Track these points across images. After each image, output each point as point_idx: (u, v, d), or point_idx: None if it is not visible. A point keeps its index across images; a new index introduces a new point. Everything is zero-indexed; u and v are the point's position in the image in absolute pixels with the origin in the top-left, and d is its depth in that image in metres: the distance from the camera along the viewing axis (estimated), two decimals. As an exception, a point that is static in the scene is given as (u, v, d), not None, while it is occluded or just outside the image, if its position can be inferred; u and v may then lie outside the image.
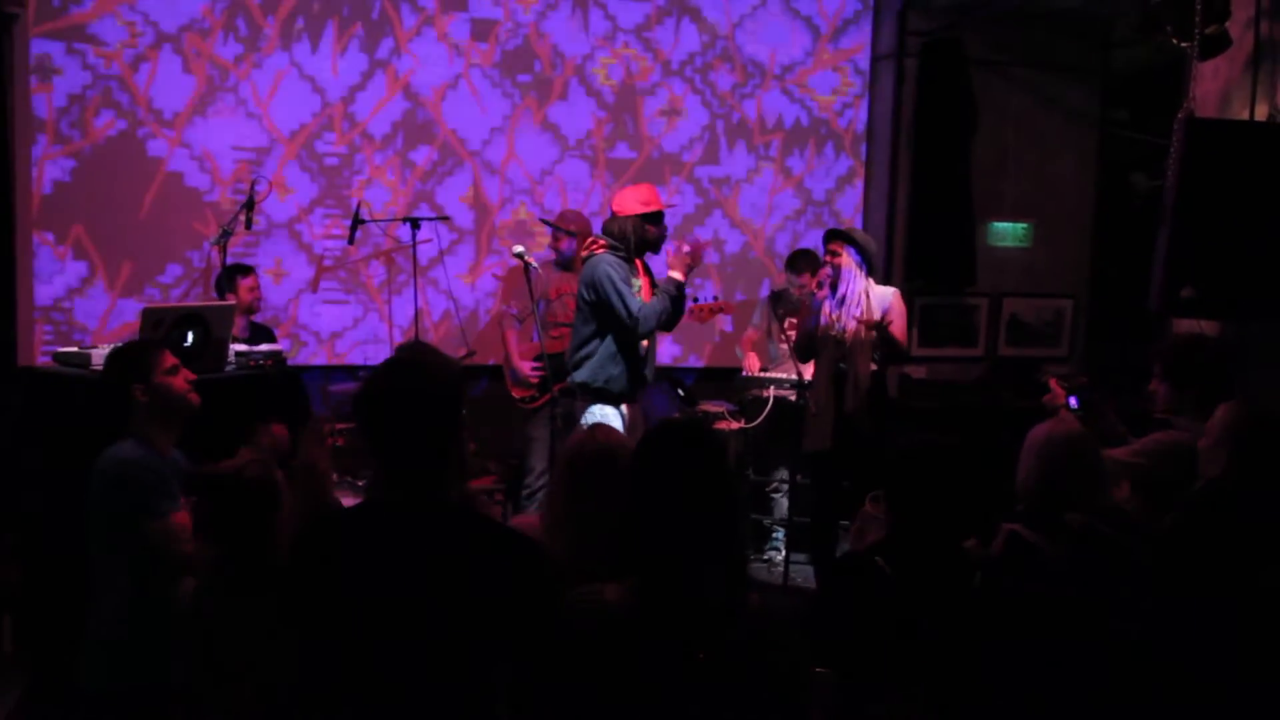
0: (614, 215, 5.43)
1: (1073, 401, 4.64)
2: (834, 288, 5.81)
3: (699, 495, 2.47)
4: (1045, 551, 3.21)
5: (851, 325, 5.77)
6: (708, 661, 2.39)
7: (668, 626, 2.38)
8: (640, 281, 5.38)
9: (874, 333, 5.73)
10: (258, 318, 6.61)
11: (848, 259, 5.83)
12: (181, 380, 3.52)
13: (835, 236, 5.95)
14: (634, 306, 5.21)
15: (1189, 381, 4.15)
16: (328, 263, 7.00)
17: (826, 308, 5.83)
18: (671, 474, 2.48)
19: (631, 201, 5.40)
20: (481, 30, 7.16)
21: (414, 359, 2.51)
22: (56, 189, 6.62)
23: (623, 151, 7.47)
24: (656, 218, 5.43)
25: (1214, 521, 3.45)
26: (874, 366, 5.85)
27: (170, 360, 3.52)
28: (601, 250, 5.36)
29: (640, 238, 5.38)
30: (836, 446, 5.78)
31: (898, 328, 5.83)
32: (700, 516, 2.45)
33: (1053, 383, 4.83)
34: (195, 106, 6.78)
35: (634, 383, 5.40)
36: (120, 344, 3.82)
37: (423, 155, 7.15)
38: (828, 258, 5.91)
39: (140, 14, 6.64)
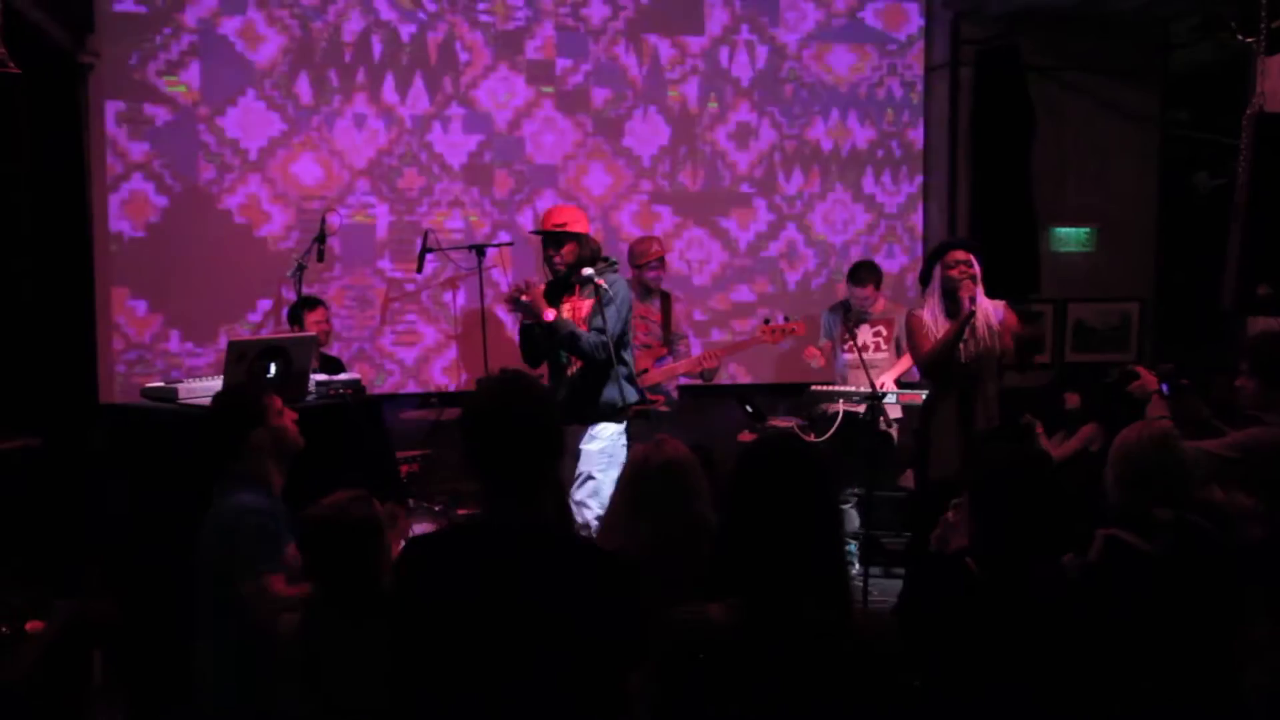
0: None
1: (1164, 387, 4.60)
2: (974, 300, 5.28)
3: (800, 512, 2.46)
4: (1142, 550, 3.18)
5: (982, 337, 5.36)
6: (814, 677, 2.38)
7: (774, 645, 2.38)
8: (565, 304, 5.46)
9: (998, 348, 5.39)
10: (336, 349, 6.70)
11: (979, 272, 5.39)
12: (290, 421, 3.60)
13: (963, 246, 5.52)
14: None
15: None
16: (397, 293, 7.10)
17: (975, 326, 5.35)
18: (775, 492, 2.48)
19: None
20: (543, 68, 7.26)
21: (519, 384, 2.54)
22: (135, 238, 6.76)
23: (693, 173, 7.52)
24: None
25: None
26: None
27: (279, 402, 3.59)
28: None
29: None
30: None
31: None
32: (803, 534, 2.44)
33: (1140, 369, 4.78)
34: (270, 154, 6.93)
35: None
36: (230, 388, 3.86)
37: (498, 186, 7.24)
38: (960, 267, 5.38)
39: (208, 68, 6.80)
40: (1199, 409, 4.65)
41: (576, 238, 5.46)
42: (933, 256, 5.63)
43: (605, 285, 5.35)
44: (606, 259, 5.57)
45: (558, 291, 5.54)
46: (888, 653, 2.53)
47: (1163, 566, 3.13)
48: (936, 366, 5.43)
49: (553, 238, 5.47)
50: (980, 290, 5.37)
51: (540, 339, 5.41)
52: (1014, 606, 2.85)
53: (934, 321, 5.44)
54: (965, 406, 5.39)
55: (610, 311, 5.35)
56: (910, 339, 5.65)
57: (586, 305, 5.43)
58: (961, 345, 5.36)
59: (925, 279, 5.62)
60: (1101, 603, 3.02)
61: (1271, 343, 4.32)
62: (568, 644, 2.35)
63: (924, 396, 5.85)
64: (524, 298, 5.33)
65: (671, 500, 2.93)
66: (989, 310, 5.42)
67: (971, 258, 5.41)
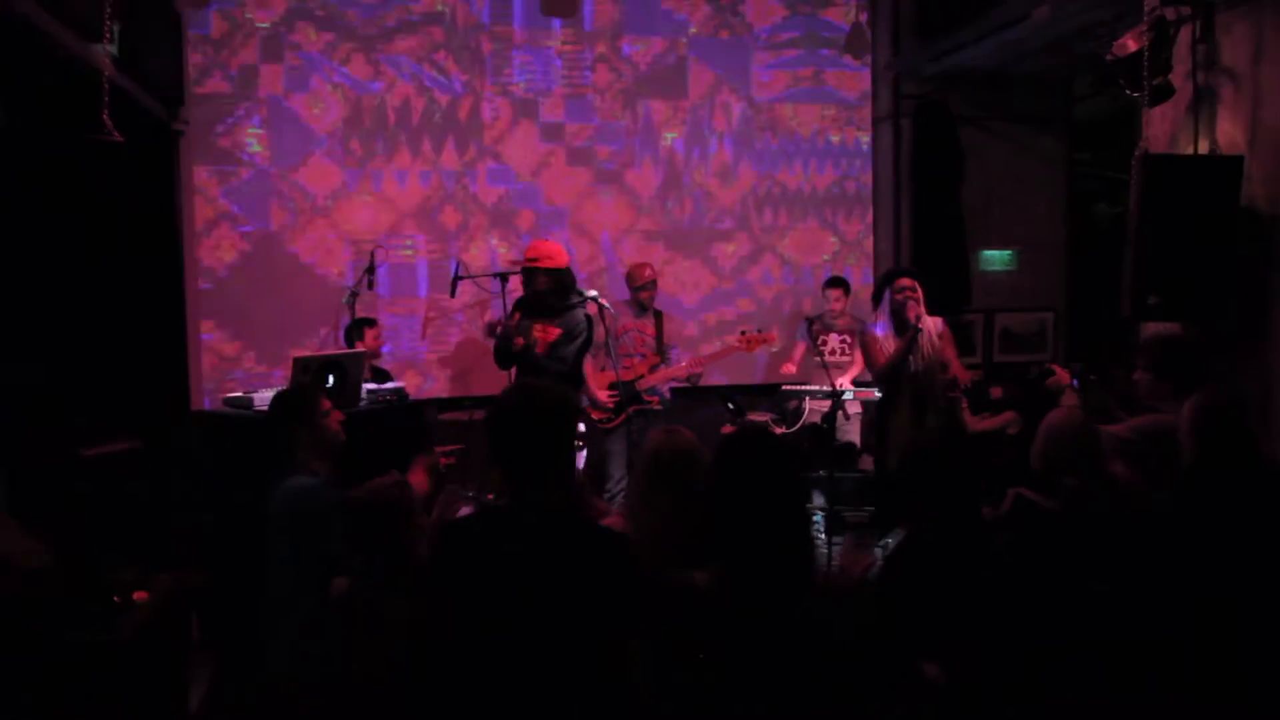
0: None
1: (1074, 383, 4.64)
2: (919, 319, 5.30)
3: (771, 493, 2.47)
4: (1045, 507, 3.22)
5: (927, 352, 5.35)
6: (784, 633, 2.38)
7: (751, 605, 2.39)
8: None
9: (940, 358, 5.39)
10: (387, 362, 6.74)
11: (921, 295, 5.37)
12: (334, 421, 3.61)
13: (908, 274, 5.51)
14: None
15: (1169, 372, 4.10)
16: (436, 313, 7.13)
17: (920, 341, 5.34)
18: (748, 475, 2.49)
19: None
20: (555, 127, 7.31)
21: (534, 390, 2.56)
22: (220, 277, 6.83)
23: (683, 211, 7.56)
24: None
25: (1192, 504, 3.41)
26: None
27: (326, 404, 3.61)
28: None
29: None
30: None
31: (954, 355, 5.47)
32: (773, 511, 2.45)
33: (1055, 367, 4.82)
34: (331, 203, 6.98)
35: None
36: (284, 389, 3.90)
37: (521, 223, 7.29)
38: (906, 292, 5.36)
39: (278, 134, 6.87)
40: (1103, 399, 4.68)
41: (549, 273, 5.58)
42: (883, 281, 5.65)
43: (583, 318, 5.68)
44: (580, 292, 5.65)
45: (535, 312, 5.69)
46: (847, 612, 2.53)
47: (1061, 523, 3.17)
48: (889, 379, 5.44)
49: (527, 272, 5.64)
50: (923, 309, 5.37)
51: (510, 354, 5.67)
52: (957, 563, 2.86)
53: (885, 337, 5.45)
54: (918, 406, 5.38)
55: (574, 346, 5.63)
56: (866, 353, 5.66)
57: (556, 331, 5.58)
58: (911, 358, 5.37)
59: (877, 300, 5.64)
60: (1009, 548, 3.04)
61: (1162, 344, 4.35)
62: (574, 609, 2.35)
63: (878, 394, 5.87)
64: (498, 329, 5.69)
65: (687, 479, 2.95)
66: (930, 326, 5.44)
67: (915, 283, 5.42)
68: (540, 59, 7.26)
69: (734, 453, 2.59)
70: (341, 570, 3.19)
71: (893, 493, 5.57)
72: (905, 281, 5.43)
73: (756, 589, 2.40)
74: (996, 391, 6.32)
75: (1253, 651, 3.03)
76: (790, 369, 6.93)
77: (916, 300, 5.35)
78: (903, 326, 5.35)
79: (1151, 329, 5.10)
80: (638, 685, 2.47)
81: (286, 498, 3.43)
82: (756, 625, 2.38)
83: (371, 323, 6.49)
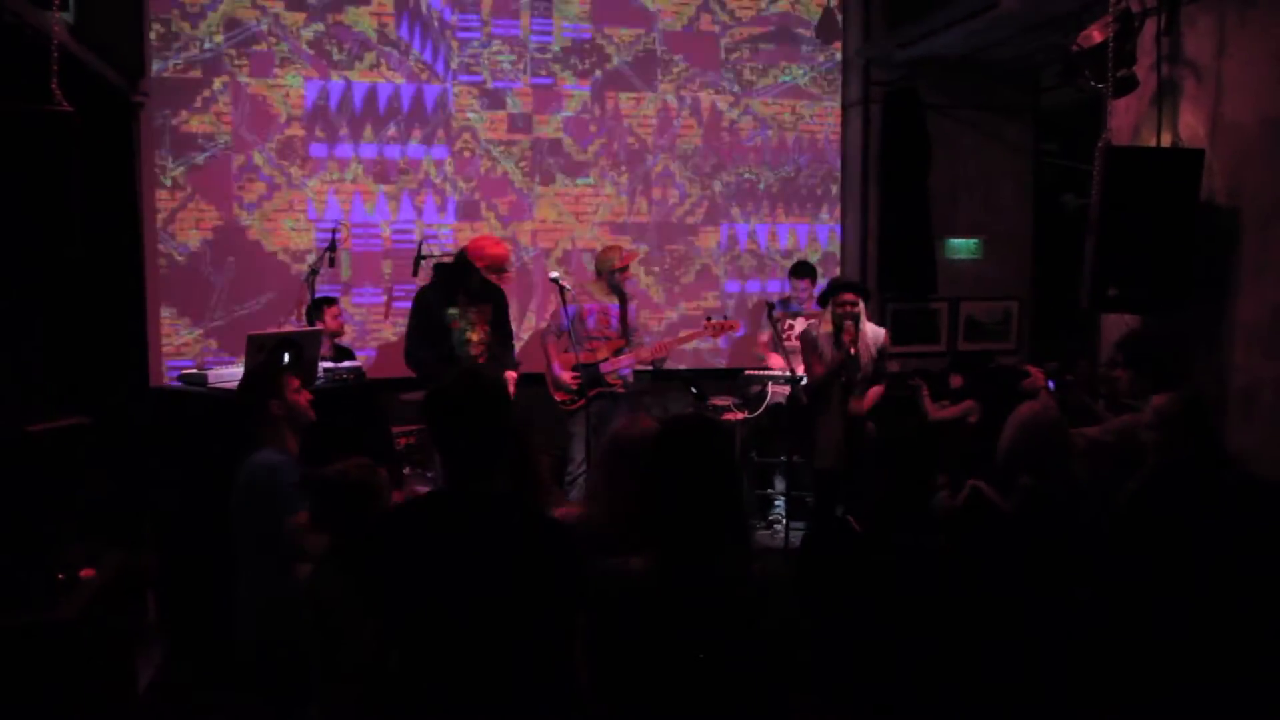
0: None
1: (1050, 384, 4.65)
2: (854, 341, 5.37)
3: (707, 480, 2.44)
4: (999, 506, 3.20)
5: (864, 364, 5.46)
6: (719, 616, 2.36)
7: (684, 591, 2.37)
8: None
9: (873, 368, 5.54)
10: (350, 340, 6.67)
11: (863, 308, 5.46)
12: (304, 398, 3.59)
13: (850, 288, 5.57)
14: None
15: (1149, 370, 4.07)
16: (401, 294, 7.05)
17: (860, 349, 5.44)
18: (683, 462, 2.46)
19: None
20: (523, 118, 7.24)
21: (470, 377, 2.52)
22: (178, 261, 6.71)
23: (651, 204, 7.51)
24: None
25: (1162, 497, 3.39)
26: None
27: (296, 381, 3.59)
28: None
29: None
30: (842, 467, 5.50)
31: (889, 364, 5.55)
32: (709, 498, 2.43)
33: (1031, 368, 4.81)
34: (295, 188, 6.87)
35: None
36: (255, 367, 3.86)
37: (485, 212, 7.21)
38: (846, 307, 5.43)
39: (242, 118, 6.76)
40: (1082, 399, 4.67)
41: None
42: (830, 289, 5.74)
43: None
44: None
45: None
46: (782, 596, 2.52)
47: (1011, 523, 3.15)
48: (820, 389, 5.61)
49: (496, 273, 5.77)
50: (865, 315, 5.54)
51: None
52: (886, 555, 2.87)
53: (825, 343, 5.58)
54: (845, 403, 5.51)
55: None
56: (805, 359, 5.79)
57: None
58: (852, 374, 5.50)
59: (823, 303, 5.76)
60: (960, 543, 3.03)
61: (1142, 340, 4.32)
62: (512, 594, 2.33)
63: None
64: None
65: (640, 468, 2.91)
66: (869, 339, 5.58)
67: (858, 299, 5.52)
68: (510, 46, 7.17)
69: (671, 439, 2.56)
70: (305, 554, 3.15)
71: (824, 487, 5.72)
72: (848, 297, 5.52)
73: (690, 576, 2.38)
74: (957, 380, 6.35)
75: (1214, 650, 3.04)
76: (777, 359, 6.92)
77: (854, 319, 5.43)
78: (839, 340, 5.46)
79: (1111, 320, 5.11)
80: (580, 671, 2.45)
81: (252, 472, 3.40)
82: (688, 612, 2.36)
83: (331, 302, 6.43)
